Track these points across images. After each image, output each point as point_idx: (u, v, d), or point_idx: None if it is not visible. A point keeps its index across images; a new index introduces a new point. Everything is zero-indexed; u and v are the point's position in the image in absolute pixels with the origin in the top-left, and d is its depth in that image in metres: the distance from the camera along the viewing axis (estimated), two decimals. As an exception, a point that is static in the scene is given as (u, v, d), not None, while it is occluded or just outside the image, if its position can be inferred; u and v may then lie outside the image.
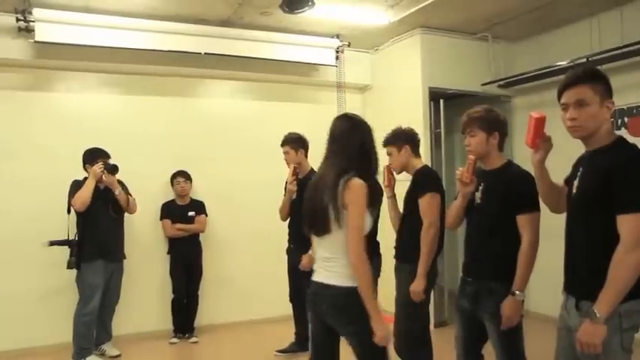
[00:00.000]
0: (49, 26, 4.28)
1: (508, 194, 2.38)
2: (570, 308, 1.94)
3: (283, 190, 4.00)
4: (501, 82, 5.27)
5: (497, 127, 2.47)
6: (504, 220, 2.39)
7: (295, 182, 3.86)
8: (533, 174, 2.29)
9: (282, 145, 4.01)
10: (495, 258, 2.42)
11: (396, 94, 5.46)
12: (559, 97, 1.98)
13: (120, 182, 4.23)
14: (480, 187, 2.49)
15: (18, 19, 4.21)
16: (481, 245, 2.49)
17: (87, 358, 4.08)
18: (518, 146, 4.86)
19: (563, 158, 2.22)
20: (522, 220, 2.35)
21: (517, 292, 2.31)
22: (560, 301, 2.06)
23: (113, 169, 4.10)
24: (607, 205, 1.81)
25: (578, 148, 2.08)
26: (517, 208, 2.36)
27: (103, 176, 4.07)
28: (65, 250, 4.08)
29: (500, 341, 2.39)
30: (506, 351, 2.40)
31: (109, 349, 4.38)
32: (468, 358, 2.59)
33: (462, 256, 2.64)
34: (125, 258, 4.44)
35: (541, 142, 2.12)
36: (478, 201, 2.50)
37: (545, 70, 4.76)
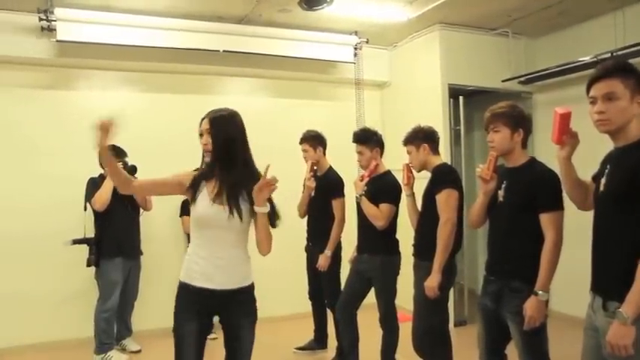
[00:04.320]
0: (71, 25, 4.33)
1: (531, 192, 2.34)
2: (597, 308, 1.90)
3: (302, 187, 3.99)
4: (522, 79, 5.20)
5: (522, 123, 2.43)
6: (527, 218, 2.35)
7: (313, 179, 3.86)
8: (557, 171, 2.26)
9: (301, 142, 4.01)
10: (518, 257, 2.39)
11: (414, 91, 5.42)
12: (588, 90, 1.93)
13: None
14: (503, 185, 2.46)
15: (41, 19, 4.27)
16: (504, 244, 2.45)
17: (108, 353, 4.13)
18: (540, 143, 4.81)
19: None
20: (545, 219, 2.31)
21: (540, 291, 2.27)
22: (585, 301, 2.02)
23: (132, 170, 4.13)
24: (635, 203, 1.77)
25: (595, 148, 2.05)
26: (540, 207, 2.32)
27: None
28: (85, 248, 4.14)
29: (523, 342, 2.36)
30: (529, 352, 2.36)
31: (130, 344, 4.44)
32: (491, 357, 2.56)
33: (483, 254, 2.61)
34: (142, 254, 4.48)
35: (567, 138, 2.09)
36: (501, 199, 2.47)
37: (567, 66, 4.67)
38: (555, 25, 5.03)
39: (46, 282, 4.56)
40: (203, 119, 2.24)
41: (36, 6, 4.22)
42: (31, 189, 4.56)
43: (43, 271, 4.56)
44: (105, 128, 2.11)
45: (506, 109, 2.45)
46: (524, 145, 2.46)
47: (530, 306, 2.28)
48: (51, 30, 4.33)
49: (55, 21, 4.28)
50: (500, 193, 2.47)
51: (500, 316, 2.44)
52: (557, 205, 2.31)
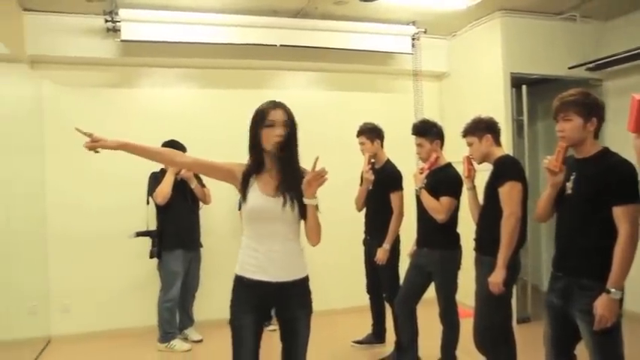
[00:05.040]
0: (134, 25, 4.48)
1: (604, 183, 2.21)
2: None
3: (360, 180, 3.97)
4: (591, 65, 4.92)
5: (595, 111, 2.30)
6: (598, 211, 2.23)
7: (371, 172, 3.82)
8: (633, 162, 2.12)
9: (358, 135, 3.98)
10: (588, 252, 2.28)
11: (475, 81, 5.26)
12: None
13: (195, 175, 4.36)
14: (572, 177, 2.34)
15: (106, 20, 4.44)
16: (572, 239, 2.34)
17: (171, 342, 4.28)
18: (610, 133, 4.55)
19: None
20: (619, 212, 2.17)
21: (612, 289, 2.15)
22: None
23: None
24: None
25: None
26: (613, 199, 2.19)
27: (182, 171, 4.22)
28: (147, 241, 4.29)
29: (594, 342, 2.24)
30: (601, 353, 2.24)
31: (192, 333, 4.56)
32: (559, 357, 2.46)
33: (547, 249, 2.50)
34: (202, 246, 4.59)
35: None
36: (569, 191, 2.36)
37: (643, 50, 4.38)
38: (629, 6, 4.71)
39: (113, 275, 4.77)
40: (271, 109, 2.16)
41: (102, 8, 4.39)
42: (97, 187, 4.75)
43: (110, 265, 4.77)
44: (95, 142, 2.18)
45: (578, 96, 2.31)
46: (596, 134, 2.33)
47: (601, 304, 2.16)
48: (116, 30, 4.49)
49: (119, 22, 4.44)
50: (569, 185, 2.36)
51: (569, 314, 2.33)
52: (632, 198, 2.17)
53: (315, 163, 2.05)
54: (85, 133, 2.15)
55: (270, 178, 2.18)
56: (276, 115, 2.14)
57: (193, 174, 4.32)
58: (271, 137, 2.12)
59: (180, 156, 2.41)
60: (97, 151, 2.19)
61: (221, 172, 2.28)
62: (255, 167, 2.20)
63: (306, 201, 2.12)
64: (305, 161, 2.23)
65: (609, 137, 4.49)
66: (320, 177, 2.04)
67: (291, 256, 2.22)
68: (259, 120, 2.17)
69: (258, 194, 2.16)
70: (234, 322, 2.21)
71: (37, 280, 4.46)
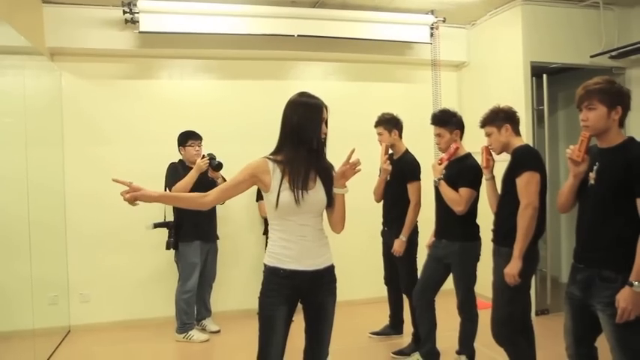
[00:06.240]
0: (152, 16, 4.50)
1: (628, 174, 2.16)
2: None
3: (378, 170, 3.94)
4: (614, 53, 4.82)
5: (620, 100, 2.24)
6: (622, 202, 2.19)
7: (389, 162, 3.80)
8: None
9: (376, 126, 3.95)
10: (610, 244, 2.23)
11: (494, 71, 5.19)
12: None
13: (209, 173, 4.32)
14: (595, 167, 2.29)
15: (124, 12, 4.46)
16: (594, 230, 2.30)
17: (189, 332, 4.32)
18: (635, 122, 4.46)
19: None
20: None
21: (635, 282, 2.10)
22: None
23: (218, 167, 4.26)
24: None
25: None
26: (638, 190, 2.13)
27: (209, 173, 4.24)
28: (165, 232, 4.31)
29: (615, 335, 2.20)
30: (622, 347, 2.20)
31: (210, 324, 4.59)
32: (579, 350, 2.42)
33: (566, 240, 2.45)
34: (218, 238, 4.61)
35: None
36: (592, 182, 2.31)
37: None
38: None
39: (132, 266, 4.83)
40: (324, 107, 2.24)
41: (120, 0, 4.41)
42: (120, 175, 4.77)
43: (129, 256, 4.82)
44: (134, 192, 2.15)
45: (602, 84, 2.26)
46: (621, 124, 2.27)
47: (623, 297, 2.12)
48: (134, 22, 4.51)
49: (137, 13, 4.46)
50: (592, 175, 2.31)
51: (590, 307, 2.29)
52: None
53: (350, 155, 2.15)
54: (124, 183, 2.14)
55: (310, 170, 2.22)
56: (325, 113, 2.25)
57: (220, 175, 4.32)
58: (322, 133, 2.23)
59: (206, 196, 2.34)
60: (136, 204, 2.18)
61: (246, 184, 2.30)
62: (292, 158, 2.19)
63: (337, 190, 2.22)
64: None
65: (634, 126, 4.41)
66: (354, 167, 2.17)
67: (321, 246, 2.27)
68: (317, 116, 2.21)
69: (288, 187, 2.16)
70: (267, 313, 2.22)
71: (57, 271, 4.53)
